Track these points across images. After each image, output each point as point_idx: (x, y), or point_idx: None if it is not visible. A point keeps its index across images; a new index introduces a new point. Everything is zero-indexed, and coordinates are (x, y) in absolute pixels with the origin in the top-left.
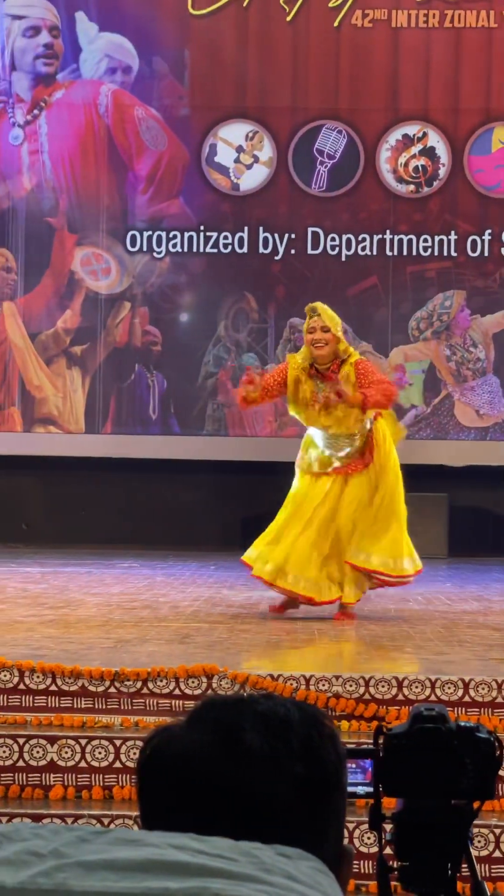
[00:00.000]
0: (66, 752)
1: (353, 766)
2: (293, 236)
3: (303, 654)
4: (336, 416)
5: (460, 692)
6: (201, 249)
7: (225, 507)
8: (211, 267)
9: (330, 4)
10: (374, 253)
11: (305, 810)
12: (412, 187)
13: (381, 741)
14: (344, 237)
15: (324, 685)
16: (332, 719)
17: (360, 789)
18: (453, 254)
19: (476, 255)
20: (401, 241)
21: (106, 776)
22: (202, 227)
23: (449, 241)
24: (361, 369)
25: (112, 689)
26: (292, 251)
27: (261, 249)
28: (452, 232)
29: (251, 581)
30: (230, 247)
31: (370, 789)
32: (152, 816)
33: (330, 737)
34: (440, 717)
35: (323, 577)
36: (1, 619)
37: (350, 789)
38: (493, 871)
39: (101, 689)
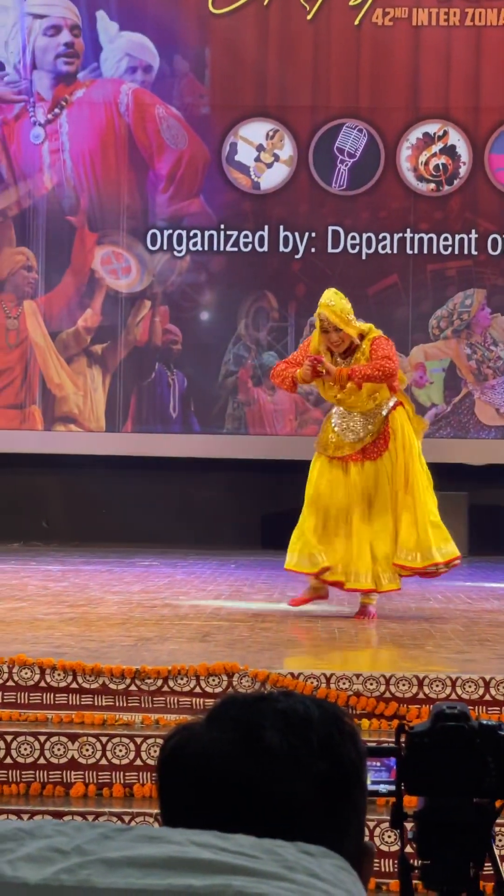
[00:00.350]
0: (87, 750)
1: (378, 764)
2: (313, 235)
3: (323, 653)
4: (351, 388)
5: (481, 691)
6: (222, 248)
7: (245, 506)
8: (231, 266)
9: (350, 3)
10: (395, 251)
11: (325, 808)
12: (433, 186)
13: (402, 740)
14: (364, 236)
15: (344, 683)
16: (352, 717)
17: (383, 787)
18: (474, 252)
19: (497, 253)
20: (421, 239)
21: (127, 774)
22: (222, 226)
23: (469, 239)
24: (374, 346)
25: (133, 687)
26: (312, 250)
27: (281, 248)
28: (473, 230)
29: (272, 579)
30: (250, 245)
31: (392, 787)
32: (173, 815)
33: (350, 734)
34: (462, 716)
35: (349, 563)
36: (22, 617)
37: (373, 787)
38: None
39: (121, 686)
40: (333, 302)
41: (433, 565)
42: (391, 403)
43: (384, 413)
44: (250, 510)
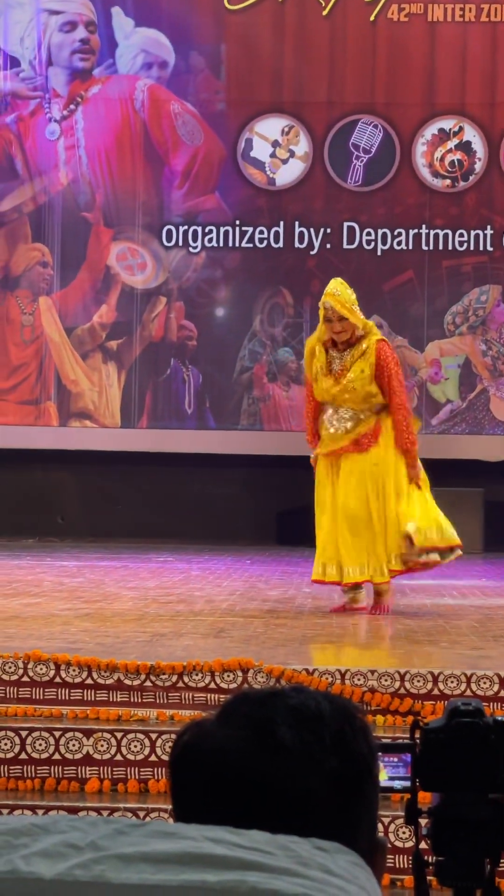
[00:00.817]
0: (102, 746)
1: (396, 759)
2: (329, 231)
3: (338, 649)
4: (347, 386)
5: (496, 687)
6: (237, 244)
7: (260, 502)
8: (246, 261)
9: None
10: (410, 247)
11: (338, 803)
12: (448, 182)
13: (417, 736)
14: (380, 232)
15: (359, 679)
16: (365, 712)
17: (398, 784)
18: (489, 248)
19: None
20: (436, 235)
21: (142, 769)
22: (238, 222)
23: (485, 235)
24: (379, 353)
25: (148, 683)
26: (328, 245)
27: (296, 244)
28: (488, 226)
29: (286, 575)
30: (266, 241)
31: (407, 784)
32: (185, 812)
33: (362, 729)
34: (477, 712)
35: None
36: (37, 613)
37: (388, 783)
38: None
39: (136, 682)
40: (339, 291)
41: (453, 547)
42: (378, 414)
43: (376, 411)
44: (265, 506)
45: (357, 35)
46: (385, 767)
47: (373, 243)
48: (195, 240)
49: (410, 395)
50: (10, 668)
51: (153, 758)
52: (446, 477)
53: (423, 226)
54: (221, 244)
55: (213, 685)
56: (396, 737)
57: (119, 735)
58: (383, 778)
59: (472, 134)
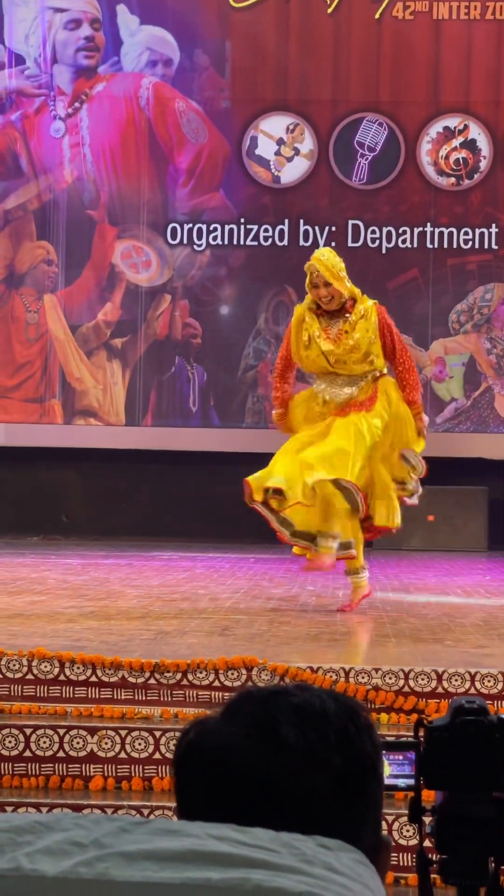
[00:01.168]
0: (107, 743)
1: (401, 757)
2: (334, 229)
3: (342, 647)
4: (353, 345)
5: (500, 685)
6: (242, 242)
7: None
8: (251, 260)
9: None
10: (415, 246)
11: (342, 802)
12: (453, 180)
13: (421, 734)
14: (384, 230)
15: (363, 678)
16: (369, 710)
17: (402, 782)
18: (494, 246)
19: None
20: (441, 233)
21: (146, 767)
22: (243, 220)
23: (490, 233)
24: (384, 320)
25: (152, 681)
26: (333, 244)
27: (301, 242)
28: (493, 225)
29: (291, 573)
30: (270, 239)
31: (411, 782)
32: (189, 809)
33: (366, 728)
34: (481, 710)
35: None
36: (42, 611)
37: (392, 781)
38: None
39: (141, 680)
40: (326, 256)
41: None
42: (374, 381)
43: (372, 379)
44: None
45: (362, 33)
46: (390, 765)
47: (377, 241)
48: (200, 238)
49: None
50: (14, 665)
51: (157, 755)
52: (451, 475)
53: (428, 224)
54: (226, 242)
55: (217, 683)
56: (400, 735)
57: (123, 733)
58: (386, 774)
59: (477, 132)
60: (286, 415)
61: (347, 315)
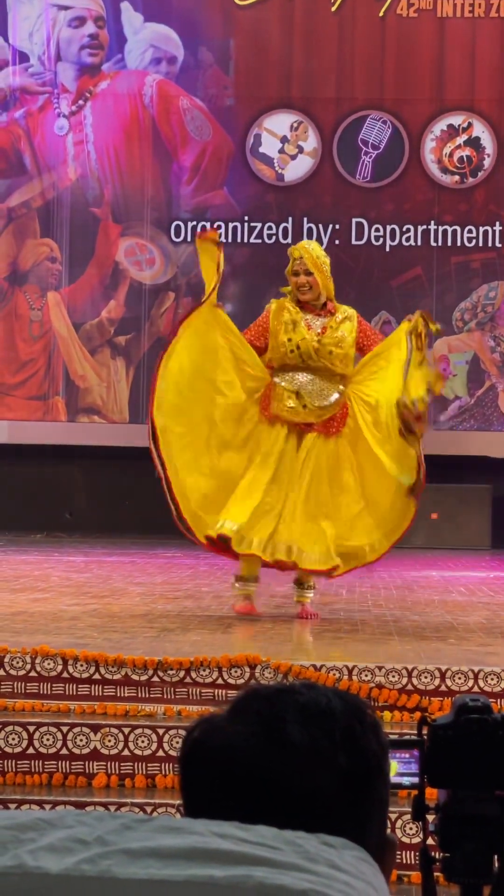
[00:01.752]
0: (110, 741)
1: (407, 755)
2: (338, 227)
3: (346, 645)
4: (335, 340)
5: (503, 683)
6: (246, 240)
7: None
8: (255, 257)
9: None
10: (419, 243)
11: (348, 801)
12: (457, 178)
13: (425, 732)
14: (388, 228)
15: (367, 675)
16: (374, 709)
17: (406, 780)
18: (498, 245)
19: None
20: (445, 231)
21: (149, 765)
22: (246, 218)
23: (494, 231)
24: (366, 326)
25: (155, 679)
26: (336, 242)
27: (305, 240)
28: (497, 222)
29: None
30: (274, 237)
31: (415, 780)
32: (195, 807)
33: (372, 726)
34: (485, 708)
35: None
36: (45, 608)
37: (397, 780)
38: None
39: (144, 678)
40: (312, 247)
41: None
42: (342, 393)
43: (342, 388)
44: None
45: (366, 31)
46: (397, 764)
47: (381, 239)
48: None
49: None
50: (17, 663)
51: (160, 753)
52: (455, 473)
53: (432, 222)
54: (230, 240)
55: (220, 681)
56: (404, 733)
57: (126, 730)
58: (393, 773)
59: (481, 130)
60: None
61: (332, 314)
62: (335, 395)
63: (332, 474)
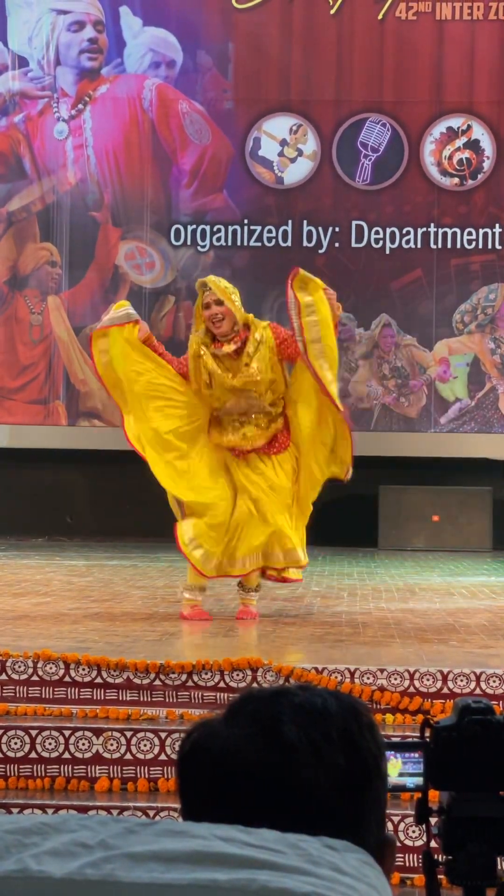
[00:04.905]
0: (112, 745)
1: (416, 755)
2: (337, 229)
3: (347, 647)
4: (251, 375)
5: None
6: (245, 243)
7: None
8: (255, 261)
9: None
10: (419, 246)
11: (346, 801)
12: (456, 180)
13: (427, 734)
14: (388, 230)
15: (368, 678)
16: (371, 710)
17: (410, 781)
18: (498, 247)
19: None
20: (445, 233)
21: (151, 768)
22: (246, 221)
23: (493, 233)
24: (282, 337)
25: (157, 682)
26: (336, 244)
27: (305, 243)
28: (497, 224)
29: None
30: (274, 240)
31: (419, 781)
32: (194, 811)
33: (369, 726)
34: (487, 710)
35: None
36: (47, 612)
37: (400, 781)
38: None
39: (146, 681)
40: (219, 279)
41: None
42: (281, 410)
43: (281, 407)
44: None
45: (365, 33)
46: (404, 763)
47: (381, 242)
48: (203, 239)
49: (419, 394)
50: (19, 667)
51: (163, 757)
52: (455, 475)
53: (432, 224)
54: (230, 243)
55: (222, 684)
56: (406, 735)
57: (129, 734)
58: (399, 772)
59: (480, 132)
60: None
61: (244, 348)
62: (263, 424)
63: (274, 484)
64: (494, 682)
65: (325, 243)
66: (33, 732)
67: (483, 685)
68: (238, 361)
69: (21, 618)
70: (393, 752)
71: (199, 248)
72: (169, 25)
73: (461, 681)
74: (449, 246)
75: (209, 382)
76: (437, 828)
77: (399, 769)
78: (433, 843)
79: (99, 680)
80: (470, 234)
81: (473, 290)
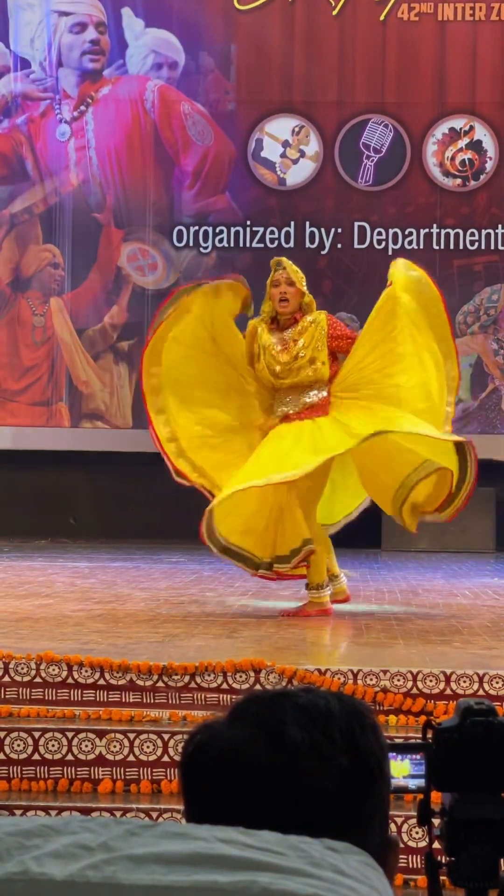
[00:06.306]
0: (115, 746)
1: (420, 756)
2: (340, 231)
3: (350, 649)
4: (297, 353)
5: None
6: (248, 244)
7: None
8: (257, 262)
9: None
10: (421, 247)
11: (349, 802)
12: (459, 181)
13: (429, 735)
14: (390, 231)
15: (371, 679)
16: (374, 712)
17: (413, 783)
18: (500, 247)
19: None
20: (448, 234)
21: (154, 770)
22: (248, 222)
23: (496, 234)
24: (333, 322)
25: (160, 684)
26: (339, 246)
27: (307, 244)
28: (500, 225)
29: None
30: (276, 242)
31: (422, 783)
32: (197, 812)
33: (372, 728)
34: (490, 711)
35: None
36: (49, 614)
37: (403, 783)
38: None
39: (149, 683)
40: (292, 263)
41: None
42: (324, 393)
43: (318, 390)
44: None
45: (367, 35)
46: (411, 765)
47: (384, 243)
48: (206, 240)
49: None
50: (22, 669)
51: (166, 758)
52: None
53: (434, 225)
54: (232, 244)
55: (225, 686)
56: (409, 737)
57: (132, 736)
58: (405, 773)
59: (482, 133)
60: None
61: (296, 324)
62: (306, 400)
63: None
64: (497, 683)
65: (327, 244)
66: (36, 734)
67: (486, 686)
68: (289, 338)
69: (24, 619)
70: (397, 755)
71: (201, 249)
72: (171, 27)
73: (464, 682)
74: (451, 247)
75: (258, 357)
76: (439, 829)
77: (408, 771)
78: (435, 845)
79: (102, 682)
80: (473, 235)
81: (476, 292)
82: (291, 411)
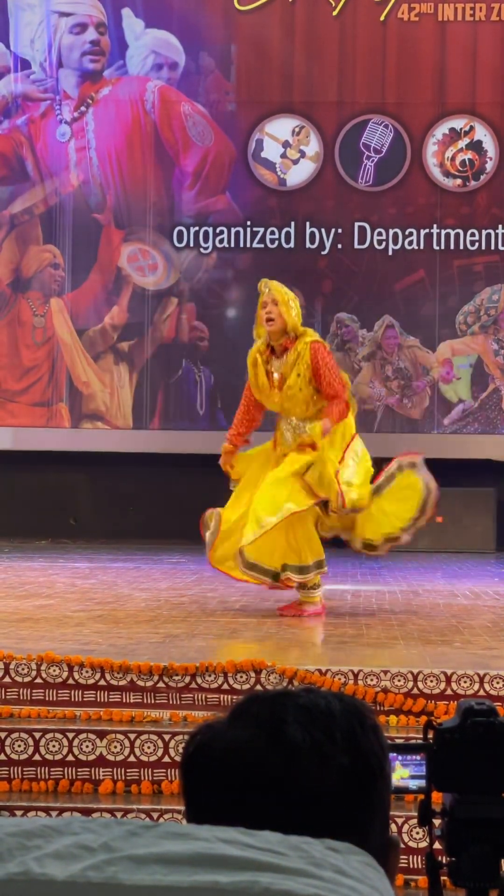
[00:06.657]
0: (116, 747)
1: (418, 758)
2: (340, 231)
3: (351, 649)
4: (287, 393)
5: None
6: (248, 245)
7: None
8: (257, 262)
9: None
10: (422, 247)
11: (350, 802)
12: (459, 181)
13: (430, 736)
14: (391, 231)
15: (372, 680)
16: (374, 712)
17: (414, 784)
18: (501, 248)
19: None
20: (448, 235)
21: (155, 770)
22: (249, 223)
23: (496, 234)
24: (314, 352)
25: (161, 684)
26: (339, 246)
27: (307, 244)
28: (500, 226)
29: None
30: (277, 242)
31: (422, 783)
32: (198, 813)
33: (373, 727)
34: (491, 711)
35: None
36: (50, 615)
37: (404, 783)
38: None
39: (149, 683)
40: (279, 284)
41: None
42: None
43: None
44: None
45: (367, 35)
46: (406, 767)
47: (384, 243)
48: (206, 241)
49: (422, 395)
50: (23, 669)
51: (166, 759)
52: (458, 477)
53: (435, 225)
54: (232, 245)
55: (226, 686)
56: (410, 737)
57: (132, 736)
58: (404, 776)
59: (483, 133)
60: (233, 453)
61: (285, 356)
62: (302, 431)
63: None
64: (498, 683)
65: (327, 245)
66: (37, 735)
67: (487, 686)
68: (282, 375)
69: (24, 620)
70: (397, 757)
71: (201, 249)
72: (171, 27)
73: (465, 682)
74: (452, 247)
75: (260, 389)
76: (440, 830)
77: (406, 776)
78: (436, 845)
79: (102, 682)
80: (473, 235)
81: (476, 292)
82: (295, 441)
